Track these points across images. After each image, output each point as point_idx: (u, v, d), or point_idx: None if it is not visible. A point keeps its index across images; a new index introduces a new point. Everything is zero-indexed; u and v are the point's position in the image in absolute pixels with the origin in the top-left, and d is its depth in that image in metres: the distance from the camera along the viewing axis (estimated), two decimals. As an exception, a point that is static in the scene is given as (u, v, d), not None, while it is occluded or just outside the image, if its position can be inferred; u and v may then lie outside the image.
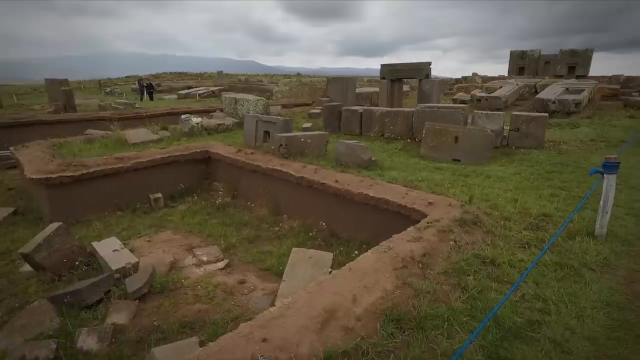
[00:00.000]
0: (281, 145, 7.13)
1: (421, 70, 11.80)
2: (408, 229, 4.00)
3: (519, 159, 7.29)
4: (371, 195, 5.21)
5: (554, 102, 12.22)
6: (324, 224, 6.01)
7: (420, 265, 3.20)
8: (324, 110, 10.68)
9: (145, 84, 24.45)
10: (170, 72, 54.05)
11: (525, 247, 3.71)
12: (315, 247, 5.64)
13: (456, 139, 7.47)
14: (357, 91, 16.05)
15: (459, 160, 7.43)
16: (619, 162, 3.71)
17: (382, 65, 12.78)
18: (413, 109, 9.11)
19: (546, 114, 7.86)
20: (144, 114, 16.63)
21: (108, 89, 32.32)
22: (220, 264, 4.94)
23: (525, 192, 5.36)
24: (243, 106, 11.65)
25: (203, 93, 27.75)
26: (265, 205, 7.14)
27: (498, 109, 13.45)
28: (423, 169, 6.75)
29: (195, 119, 10.24)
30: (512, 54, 18.51)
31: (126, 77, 51.33)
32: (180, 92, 29.10)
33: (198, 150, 8.33)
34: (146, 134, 9.86)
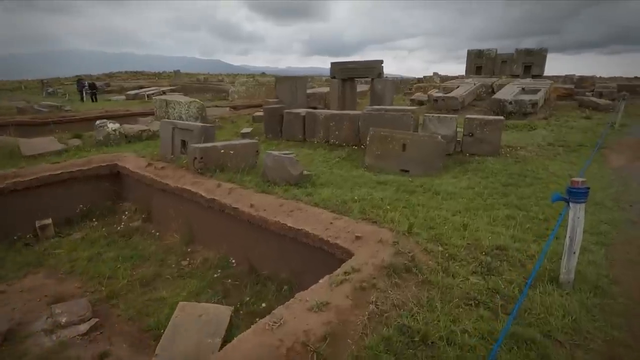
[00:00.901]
0: (195, 158, 5.90)
1: (373, 69, 10.88)
2: (320, 282, 2.95)
3: (474, 168, 6.46)
4: (289, 225, 4.11)
5: (510, 103, 11.68)
6: (233, 260, 4.88)
7: (315, 358, 2.13)
8: (264, 113, 9.52)
9: (86, 84, 22.22)
10: (127, 72, 50.96)
11: (471, 306, 2.73)
12: (223, 290, 4.50)
13: (404, 146, 6.54)
14: (310, 91, 15.00)
15: (407, 171, 6.50)
16: (589, 188, 2.81)
17: (332, 64, 11.76)
18: (359, 112, 8.14)
19: (502, 118, 7.12)
20: (72, 118, 14.83)
21: (50, 89, 29.58)
22: (83, 327, 3.67)
23: (478, 213, 4.45)
24: (175, 109, 10.28)
25: (153, 94, 25.91)
26: (178, 232, 5.89)
27: (455, 110, 12.83)
28: (364, 184, 5.74)
29: (112, 125, 8.78)
30: (469, 53, 18.07)
31: (75, 76, 47.86)
32: (129, 92, 27.09)
33: (103, 164, 6.93)
34: (49, 144, 8.30)
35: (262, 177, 5.84)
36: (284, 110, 9.16)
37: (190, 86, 32.87)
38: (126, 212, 6.53)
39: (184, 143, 6.70)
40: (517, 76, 16.17)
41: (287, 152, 6.15)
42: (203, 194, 5.17)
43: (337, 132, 8.40)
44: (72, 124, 14.00)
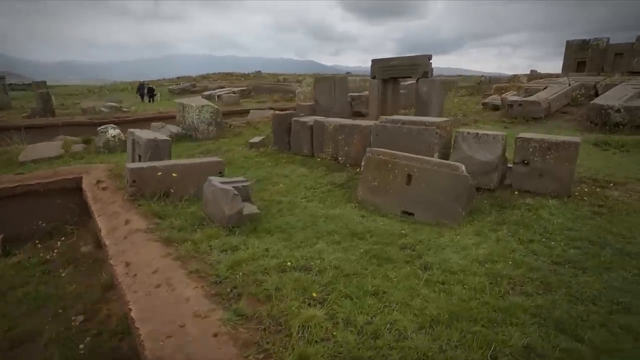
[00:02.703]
0: (128, 181, 4.72)
1: (417, 67, 8.65)
2: None
3: (516, 220, 4.10)
4: (131, 315, 2.59)
5: (618, 111, 8.37)
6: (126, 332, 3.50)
7: None
8: (273, 120, 8.09)
9: (145, 88, 24.05)
10: (220, 73, 54.49)
11: None
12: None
13: (409, 178, 4.50)
14: (356, 94, 13.17)
15: (411, 215, 4.45)
16: None
17: (372, 61, 9.81)
18: (372, 124, 6.19)
19: (577, 140, 4.53)
20: (126, 119, 15.36)
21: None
22: None
23: (474, 333, 2.37)
24: (188, 113, 9.47)
25: (225, 94, 26.82)
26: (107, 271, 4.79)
27: (536, 118, 9.85)
28: (330, 233, 3.93)
29: (112, 131, 8.23)
30: (569, 45, 13.99)
31: (177, 77, 52.70)
32: (204, 93, 28.52)
33: (69, 177, 6.23)
34: (49, 150, 8.05)
35: (204, 212, 4.44)
36: (293, 118, 7.61)
37: (261, 87, 33.27)
38: (74, 234, 5.69)
39: (140, 158, 5.63)
40: (638, 73, 12.04)
41: (238, 179, 4.63)
42: (103, 233, 3.94)
43: (346, 148, 6.57)
44: (124, 124, 14.42)
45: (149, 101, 22.86)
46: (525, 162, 4.76)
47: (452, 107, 14.12)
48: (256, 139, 8.53)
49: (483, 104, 13.25)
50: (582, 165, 6.12)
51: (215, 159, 5.40)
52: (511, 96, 10.93)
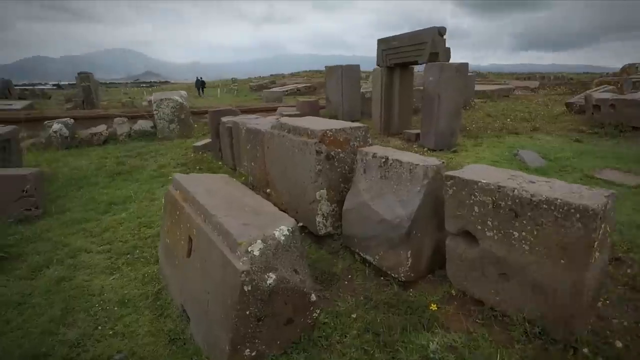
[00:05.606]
0: None
1: (422, 47, 5.78)
2: None
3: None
4: None
5: None
6: None
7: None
8: (209, 119, 6.20)
9: (200, 81, 24.93)
10: (308, 70, 54.97)
11: None
12: None
13: (190, 243, 2.19)
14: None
15: (188, 319, 2.16)
16: None
17: (377, 42, 7.13)
18: (265, 130, 3.86)
19: (594, 205, 1.62)
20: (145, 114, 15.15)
21: (230, 86, 34.30)
22: None
23: None
24: (153, 108, 8.18)
25: (286, 90, 26.31)
26: None
27: (637, 128, 6.13)
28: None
29: (56, 126, 7.30)
30: None
31: (271, 75, 54.74)
32: (271, 89, 28.44)
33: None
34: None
35: None
36: (221, 118, 5.64)
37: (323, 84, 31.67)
38: None
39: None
40: None
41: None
42: None
43: (252, 164, 4.38)
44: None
45: (201, 94, 23.65)
46: (471, 234, 2.02)
47: (524, 107, 10.39)
48: (201, 142, 6.77)
49: (567, 104, 9.40)
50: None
51: (17, 171, 3.77)
52: (600, 93, 7.13)
